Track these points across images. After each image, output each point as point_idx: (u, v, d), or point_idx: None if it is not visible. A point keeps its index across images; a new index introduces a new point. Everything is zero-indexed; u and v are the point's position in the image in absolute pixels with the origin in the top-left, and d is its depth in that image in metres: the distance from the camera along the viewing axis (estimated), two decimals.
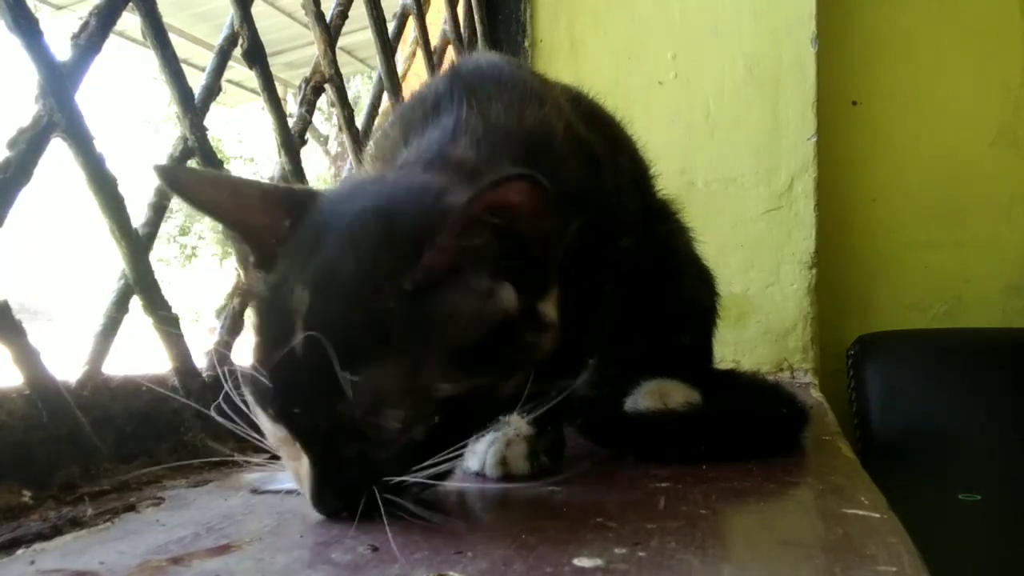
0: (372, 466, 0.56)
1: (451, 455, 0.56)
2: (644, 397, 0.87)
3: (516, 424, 0.69)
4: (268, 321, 0.58)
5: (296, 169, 1.00)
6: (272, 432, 0.59)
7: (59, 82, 0.67)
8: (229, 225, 0.62)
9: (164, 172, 0.63)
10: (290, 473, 0.60)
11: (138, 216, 0.78)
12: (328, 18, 1.11)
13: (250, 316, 0.62)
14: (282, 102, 1.02)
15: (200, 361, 0.83)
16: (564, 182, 0.65)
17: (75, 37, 0.70)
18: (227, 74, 0.91)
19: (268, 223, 0.60)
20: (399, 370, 0.54)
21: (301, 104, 1.06)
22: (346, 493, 0.56)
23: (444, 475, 0.59)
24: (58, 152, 0.68)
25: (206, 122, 0.85)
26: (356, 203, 0.60)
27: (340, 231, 0.58)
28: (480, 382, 0.56)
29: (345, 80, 1.20)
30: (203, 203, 0.62)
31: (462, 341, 0.56)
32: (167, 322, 0.79)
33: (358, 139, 1.16)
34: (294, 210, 0.60)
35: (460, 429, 0.57)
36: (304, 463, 0.57)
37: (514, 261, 0.57)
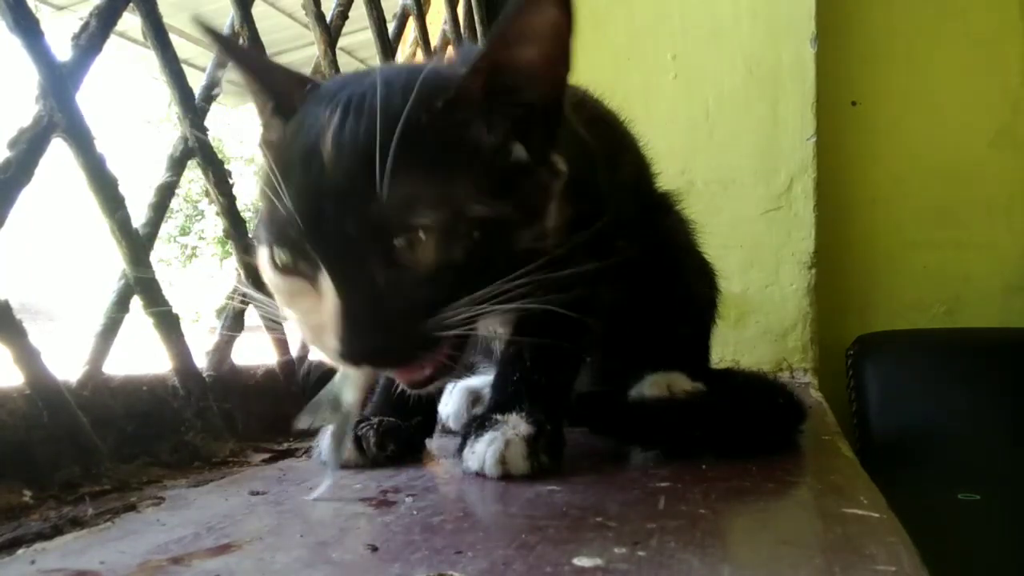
0: (406, 303, 0.55)
1: (477, 302, 0.56)
2: (649, 387, 0.88)
3: (515, 423, 0.69)
4: (290, 150, 0.59)
5: None
6: (283, 285, 0.59)
7: (60, 82, 0.67)
8: (257, 76, 0.66)
9: (212, 33, 0.69)
10: (306, 330, 0.59)
11: (138, 216, 0.78)
12: (328, 18, 1.11)
13: (263, 159, 0.63)
14: None
15: (200, 361, 0.83)
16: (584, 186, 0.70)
17: (76, 38, 0.70)
18: (228, 74, 0.91)
19: (288, 87, 0.65)
20: (433, 179, 0.56)
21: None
22: (379, 332, 0.55)
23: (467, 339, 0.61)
24: (59, 152, 0.68)
25: (206, 122, 0.86)
26: (372, 72, 0.65)
27: (364, 80, 0.62)
28: (507, 212, 0.59)
29: None
30: (239, 57, 0.68)
31: (487, 170, 0.59)
32: (167, 321, 0.79)
33: None
34: (309, 84, 0.65)
35: (488, 268, 0.57)
36: (327, 304, 0.55)
37: (521, 114, 0.61)
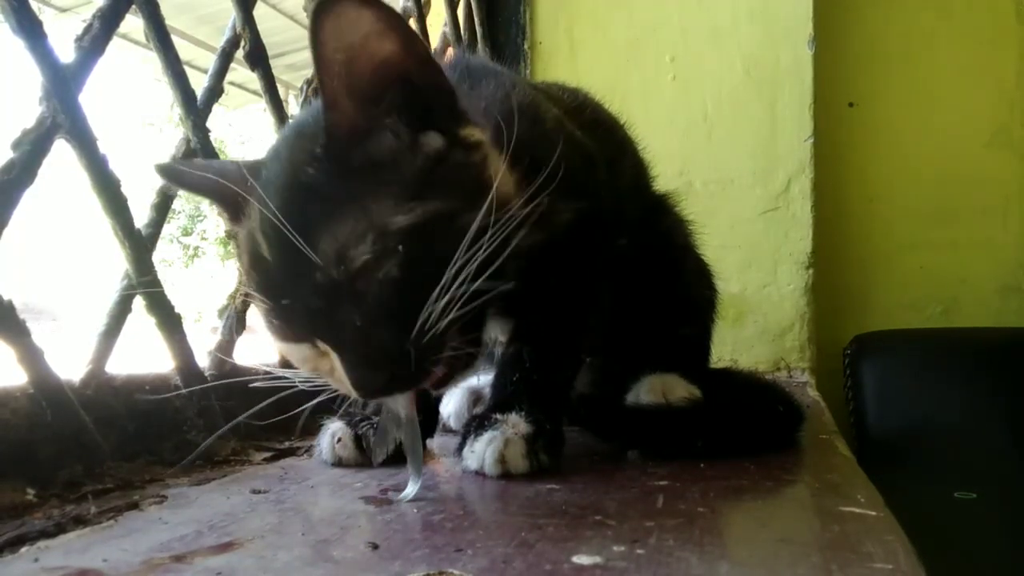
0: (387, 326, 0.58)
1: (454, 300, 0.58)
2: (646, 392, 0.88)
3: (514, 422, 0.69)
4: (246, 255, 0.64)
5: None
6: (302, 359, 0.63)
7: (63, 84, 0.67)
8: (210, 197, 0.72)
9: (160, 170, 0.72)
10: (334, 384, 0.63)
11: (141, 217, 0.78)
12: None
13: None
14: (284, 104, 1.02)
15: (202, 360, 0.84)
16: (552, 164, 0.68)
17: (79, 39, 0.70)
18: (229, 76, 0.92)
19: (240, 188, 0.66)
20: (348, 218, 0.58)
21: (303, 106, 1.07)
22: (381, 362, 0.59)
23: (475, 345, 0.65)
24: (62, 153, 0.69)
25: (208, 123, 0.86)
26: (281, 138, 0.69)
27: (270, 161, 0.66)
28: (435, 207, 0.59)
29: None
30: (189, 186, 0.72)
31: (401, 179, 0.60)
32: (169, 320, 0.79)
33: None
34: (252, 179, 0.66)
35: (439, 264, 0.58)
36: (333, 360, 0.60)
37: (420, 106, 0.61)
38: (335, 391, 0.65)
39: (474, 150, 0.64)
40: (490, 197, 0.61)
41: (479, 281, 0.59)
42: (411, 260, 0.58)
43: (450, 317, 0.59)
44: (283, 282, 0.60)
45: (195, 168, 0.73)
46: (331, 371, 0.62)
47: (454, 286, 0.58)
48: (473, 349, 0.65)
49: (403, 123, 0.61)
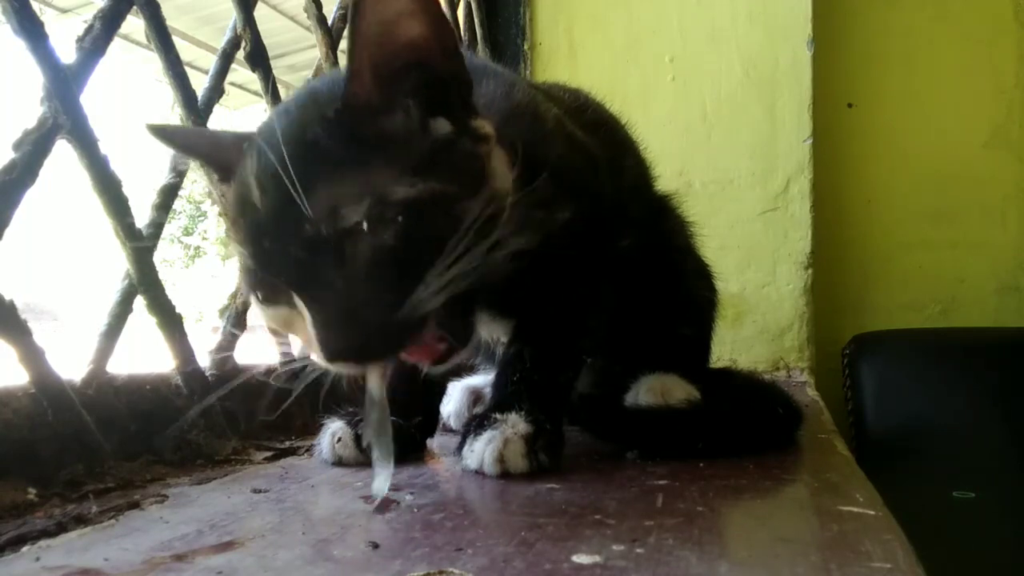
0: (366, 294, 0.58)
1: (443, 283, 0.58)
2: (645, 393, 0.88)
3: (514, 422, 0.69)
4: (234, 206, 0.63)
5: None
6: (274, 315, 0.63)
7: (64, 85, 0.68)
8: (200, 158, 0.72)
9: (154, 131, 0.70)
10: (304, 347, 0.63)
11: (142, 217, 0.78)
12: (330, 21, 1.12)
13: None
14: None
15: (203, 360, 0.84)
16: (552, 163, 0.68)
17: (80, 40, 0.71)
18: (230, 77, 0.92)
19: (231, 152, 0.67)
20: (347, 179, 0.58)
21: None
22: (353, 328, 0.58)
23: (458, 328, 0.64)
24: (63, 153, 0.69)
25: (210, 124, 0.86)
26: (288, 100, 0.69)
27: (274, 116, 0.66)
28: (437, 187, 0.59)
29: None
30: (182, 146, 0.72)
31: (407, 155, 0.60)
32: (170, 321, 0.79)
33: None
34: (247, 142, 0.67)
35: (432, 243, 0.59)
36: (310, 323, 0.59)
37: (435, 92, 0.62)
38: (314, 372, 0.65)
39: (482, 141, 0.65)
40: (489, 188, 0.62)
41: (469, 270, 0.59)
42: (406, 233, 0.58)
43: (432, 301, 0.59)
44: (270, 230, 0.59)
45: (188, 131, 0.74)
46: (303, 335, 0.62)
47: (443, 270, 0.58)
48: (454, 343, 0.64)
49: (417, 105, 0.62)
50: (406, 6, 0.59)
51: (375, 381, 0.63)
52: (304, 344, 0.63)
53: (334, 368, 0.61)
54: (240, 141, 0.68)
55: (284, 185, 0.57)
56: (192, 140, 0.72)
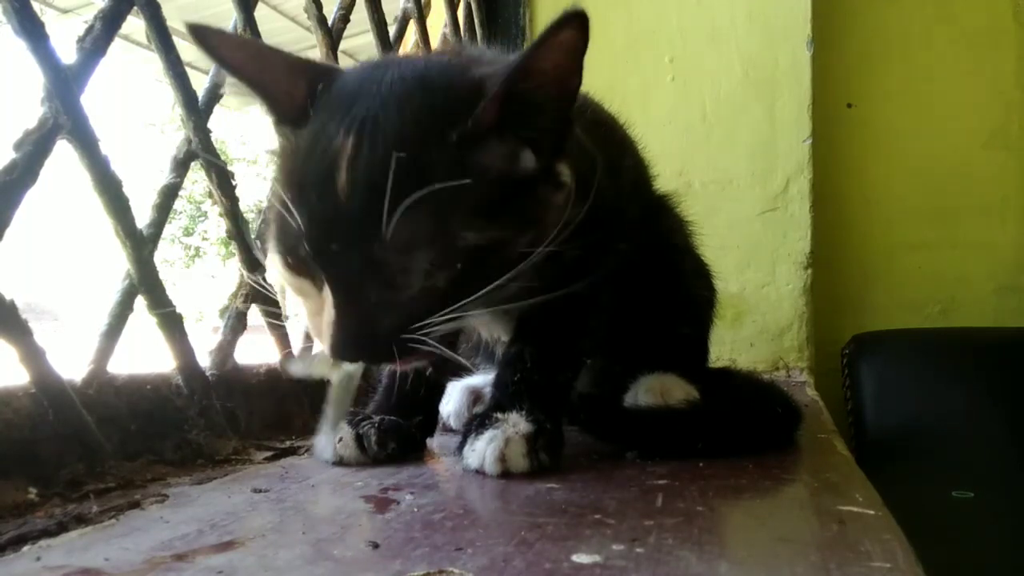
0: (393, 314, 0.59)
1: (459, 310, 0.59)
2: (644, 393, 0.88)
3: (515, 422, 0.70)
4: (303, 166, 0.60)
5: None
6: (294, 283, 0.62)
7: (65, 85, 0.68)
8: (251, 84, 0.65)
9: (194, 30, 0.63)
10: (310, 324, 0.63)
11: (142, 217, 0.78)
12: (330, 22, 1.12)
13: (274, 164, 0.64)
14: None
15: (203, 360, 0.84)
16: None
17: (80, 40, 0.70)
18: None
19: (290, 87, 0.63)
20: (432, 216, 0.57)
21: None
22: (366, 339, 0.60)
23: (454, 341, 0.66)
24: (64, 154, 0.69)
25: (210, 124, 0.86)
26: (387, 73, 0.63)
27: (378, 92, 0.61)
28: (500, 234, 0.60)
29: None
30: (228, 60, 0.64)
31: (488, 195, 0.59)
32: (171, 321, 0.79)
33: None
34: (317, 80, 0.64)
35: (474, 282, 0.59)
36: (327, 311, 0.60)
37: (534, 128, 0.61)
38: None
39: (560, 190, 0.64)
40: (536, 229, 0.62)
41: (487, 297, 0.60)
42: (455, 277, 0.59)
43: (447, 327, 0.60)
44: (341, 224, 0.57)
45: (238, 42, 0.67)
46: (315, 313, 0.62)
47: (467, 300, 0.59)
48: (437, 353, 0.64)
49: (516, 139, 0.61)
50: (572, 63, 0.59)
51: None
52: (311, 325, 0.64)
53: (332, 357, 0.62)
54: (307, 74, 0.63)
55: (377, 193, 0.56)
56: (241, 56, 0.64)
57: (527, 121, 0.61)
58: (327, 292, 0.60)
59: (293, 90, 0.63)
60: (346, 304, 0.59)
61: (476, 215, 0.59)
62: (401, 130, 0.59)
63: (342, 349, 0.61)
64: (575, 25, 0.58)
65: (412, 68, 0.65)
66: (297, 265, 0.62)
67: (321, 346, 0.62)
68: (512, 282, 0.61)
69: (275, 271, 0.64)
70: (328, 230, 0.58)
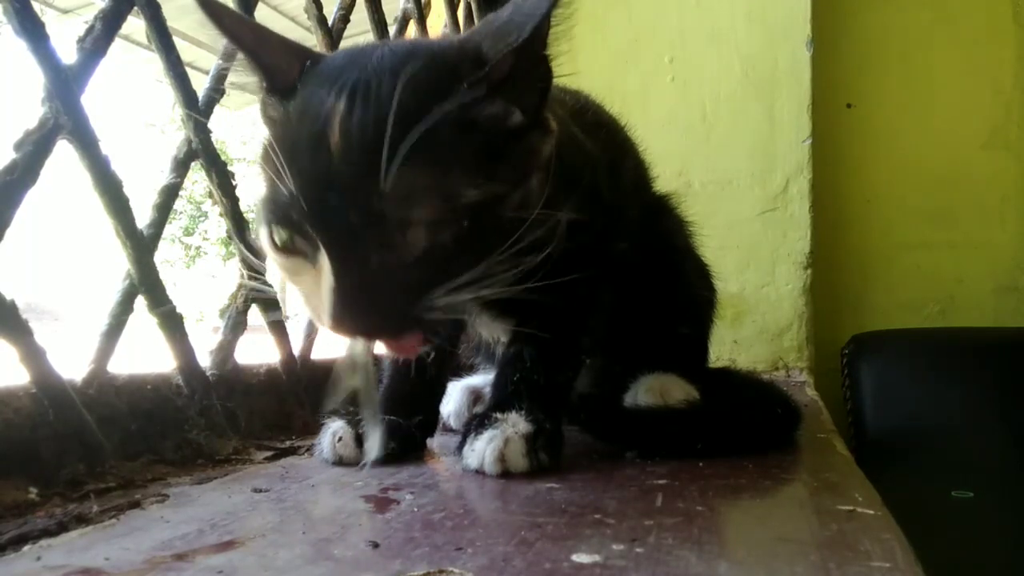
0: (395, 281, 0.57)
1: (464, 284, 0.58)
2: (644, 393, 0.88)
3: (514, 421, 0.70)
4: (293, 132, 0.60)
5: None
6: (285, 263, 0.61)
7: (65, 85, 0.68)
8: (248, 53, 0.65)
9: (206, 4, 0.65)
10: (306, 304, 0.62)
11: (143, 217, 0.79)
12: (330, 22, 1.12)
13: (264, 138, 0.63)
14: None
15: (204, 360, 0.84)
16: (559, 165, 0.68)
17: (81, 41, 0.71)
18: (231, 77, 0.92)
19: (284, 62, 0.64)
20: (433, 170, 0.56)
21: None
22: (368, 307, 0.57)
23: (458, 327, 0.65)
24: (64, 154, 0.69)
25: (210, 124, 0.86)
26: (376, 50, 0.64)
27: (368, 64, 0.61)
28: (497, 189, 0.59)
29: None
30: (230, 30, 0.65)
31: (485, 146, 0.59)
32: (171, 321, 0.80)
33: None
34: (308, 59, 0.64)
35: (475, 246, 0.58)
36: (324, 280, 0.58)
37: (527, 85, 0.62)
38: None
39: (548, 136, 0.65)
40: (528, 185, 0.62)
41: (498, 288, 0.60)
42: (459, 236, 0.57)
43: (452, 305, 0.59)
44: (335, 188, 0.56)
45: (241, 18, 0.68)
46: (312, 293, 0.60)
47: (473, 277, 0.58)
48: (442, 340, 0.64)
49: (512, 96, 0.62)
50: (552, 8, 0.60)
51: (363, 347, 0.63)
52: (307, 303, 0.62)
53: (330, 330, 0.60)
54: (300, 53, 0.64)
55: (373, 149, 0.55)
56: (242, 29, 0.65)
57: (525, 76, 0.62)
58: (323, 261, 0.58)
59: (287, 66, 0.64)
60: (345, 268, 0.57)
61: (476, 170, 0.58)
62: (396, 90, 0.58)
63: (344, 318, 0.58)
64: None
65: (396, 44, 0.66)
66: (286, 239, 0.60)
67: (319, 323, 0.60)
68: (511, 252, 0.60)
69: (266, 251, 0.63)
70: (322, 189, 0.57)
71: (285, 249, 0.61)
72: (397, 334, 0.60)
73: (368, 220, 0.56)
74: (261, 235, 0.63)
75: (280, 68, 0.64)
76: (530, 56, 0.61)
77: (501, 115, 0.61)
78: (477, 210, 0.58)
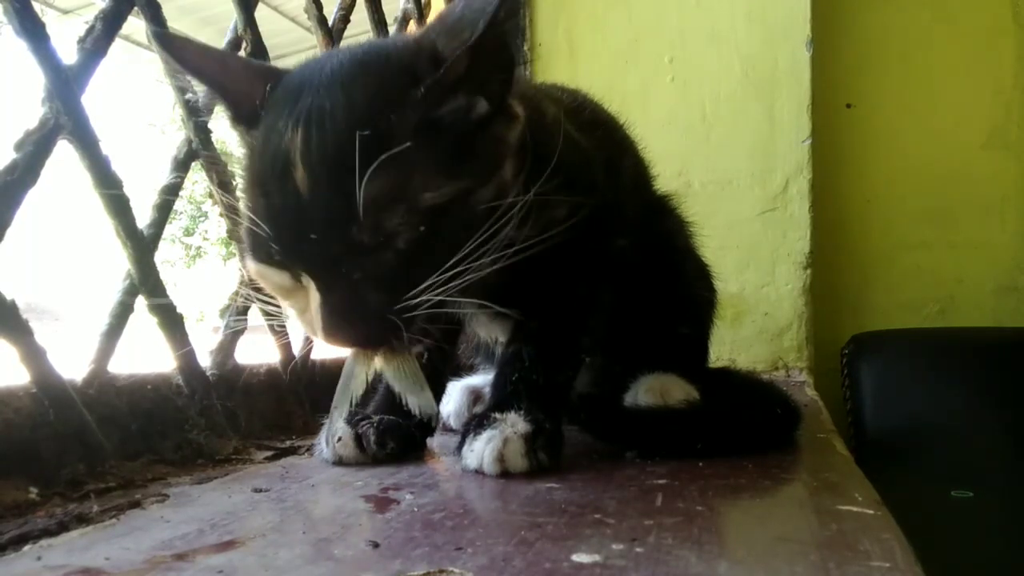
0: (379, 287, 0.59)
1: (444, 282, 0.59)
2: (644, 393, 0.88)
3: (514, 421, 0.70)
4: (260, 167, 0.61)
5: None
6: (276, 284, 0.62)
7: (66, 85, 0.68)
8: (211, 86, 0.67)
9: (159, 37, 0.66)
10: (300, 320, 0.63)
11: (143, 217, 0.79)
12: (330, 22, 1.12)
13: (241, 174, 0.65)
14: None
15: (204, 360, 0.84)
16: (550, 160, 0.68)
17: (81, 41, 0.71)
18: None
19: (248, 89, 0.64)
20: (397, 182, 0.57)
21: None
22: (356, 315, 0.59)
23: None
24: (64, 154, 0.69)
25: (210, 124, 0.86)
26: (327, 63, 0.64)
27: (319, 82, 0.61)
28: (466, 184, 0.60)
29: None
30: (191, 65, 0.66)
31: (447, 146, 0.59)
32: (171, 320, 0.80)
33: None
34: (271, 79, 0.65)
35: (449, 240, 0.59)
36: (312, 301, 0.60)
37: (488, 76, 0.61)
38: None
39: (514, 122, 0.65)
40: (499, 176, 0.62)
41: (470, 268, 0.60)
42: (423, 238, 0.58)
43: (436, 299, 0.60)
44: (307, 224, 0.57)
45: (201, 48, 0.68)
46: (302, 308, 0.62)
47: (447, 272, 0.59)
48: (429, 340, 0.66)
49: (473, 89, 0.61)
50: (517, 7, 0.60)
51: (361, 360, 0.65)
52: (298, 316, 0.64)
53: (325, 343, 0.62)
54: (263, 76, 0.65)
55: (339, 176, 0.56)
56: (203, 61, 0.66)
57: (485, 69, 0.61)
58: (308, 284, 0.60)
59: (251, 91, 0.64)
60: (329, 288, 0.59)
61: (437, 171, 0.59)
62: (348, 109, 0.59)
63: (336, 332, 0.60)
64: None
65: (349, 53, 0.66)
66: (270, 263, 0.62)
67: (313, 334, 0.62)
68: (489, 242, 0.60)
69: (255, 275, 0.64)
70: (296, 227, 0.58)
71: (271, 267, 0.62)
72: (387, 340, 0.62)
73: (345, 248, 0.58)
74: (248, 261, 0.64)
75: (245, 95, 0.65)
76: (488, 48, 0.60)
77: (463, 108, 0.61)
78: (447, 208, 0.59)
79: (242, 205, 0.63)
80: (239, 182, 0.65)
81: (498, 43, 0.61)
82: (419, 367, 0.67)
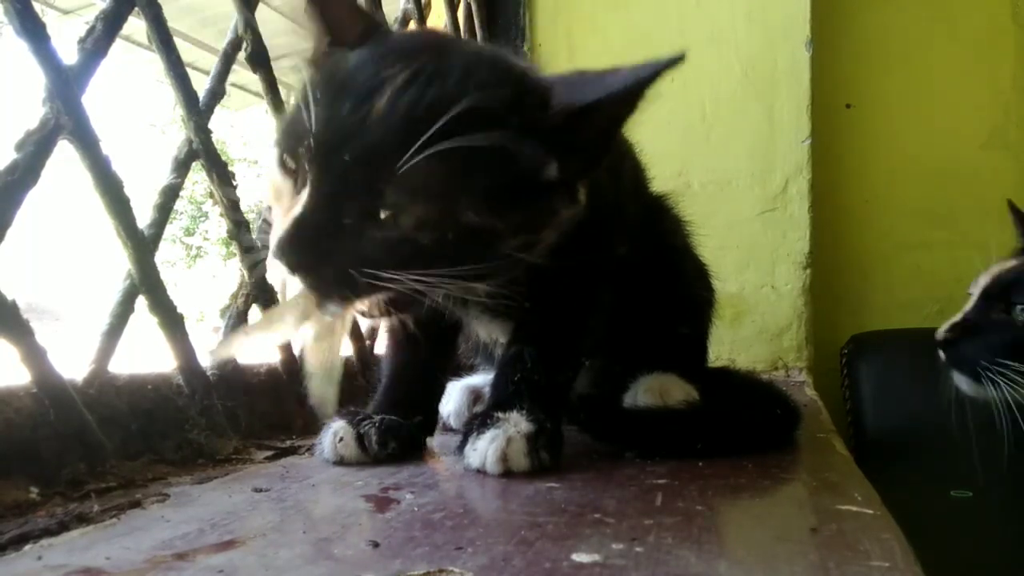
0: (358, 243, 0.57)
1: (418, 280, 0.58)
2: (643, 394, 0.88)
3: (516, 421, 0.70)
4: (341, 81, 0.60)
5: None
6: (278, 182, 0.61)
7: (66, 85, 0.68)
8: (318, 12, 0.67)
9: None
10: (273, 232, 0.61)
11: (144, 217, 0.79)
12: None
13: (306, 72, 0.63)
14: (285, 105, 1.03)
15: (204, 360, 0.84)
16: None
17: (82, 41, 0.71)
18: (231, 78, 0.92)
19: (349, 22, 0.66)
20: (449, 179, 0.57)
21: None
22: (319, 248, 0.57)
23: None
24: (65, 154, 0.69)
25: (211, 125, 0.87)
26: (454, 43, 0.67)
27: (446, 51, 0.62)
28: (497, 225, 0.60)
29: None
30: None
31: (509, 185, 0.59)
32: (171, 320, 0.80)
33: None
34: (376, 25, 0.66)
35: (450, 256, 0.59)
36: (296, 207, 0.58)
37: (573, 147, 0.62)
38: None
39: (573, 206, 0.65)
40: (534, 239, 0.63)
41: (458, 282, 0.60)
42: (438, 244, 0.58)
43: (405, 289, 0.59)
44: (355, 145, 0.56)
45: None
46: (283, 210, 0.60)
47: (437, 277, 0.59)
48: (383, 318, 0.64)
49: (555, 148, 0.61)
50: (635, 104, 0.61)
51: (297, 298, 0.62)
52: (275, 224, 0.62)
53: (274, 262, 0.60)
54: (364, 18, 0.66)
55: (412, 131, 0.55)
56: None
57: (574, 139, 0.62)
58: (303, 194, 0.58)
59: (352, 24, 0.65)
60: (317, 206, 0.57)
61: (486, 198, 0.58)
62: (462, 83, 0.58)
63: (288, 248, 0.57)
64: (654, 78, 0.59)
65: (484, 51, 0.67)
66: (288, 164, 0.61)
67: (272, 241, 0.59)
68: (480, 275, 0.60)
69: (271, 170, 0.63)
70: (343, 139, 0.57)
71: (286, 172, 0.61)
72: (329, 287, 0.60)
73: (366, 186, 0.57)
74: (272, 155, 0.63)
75: (345, 24, 0.65)
76: (592, 122, 0.61)
77: (538, 161, 0.61)
78: (468, 232, 0.58)
79: (301, 88, 0.61)
80: (311, 73, 0.62)
81: (604, 126, 0.63)
82: (342, 367, 0.65)
